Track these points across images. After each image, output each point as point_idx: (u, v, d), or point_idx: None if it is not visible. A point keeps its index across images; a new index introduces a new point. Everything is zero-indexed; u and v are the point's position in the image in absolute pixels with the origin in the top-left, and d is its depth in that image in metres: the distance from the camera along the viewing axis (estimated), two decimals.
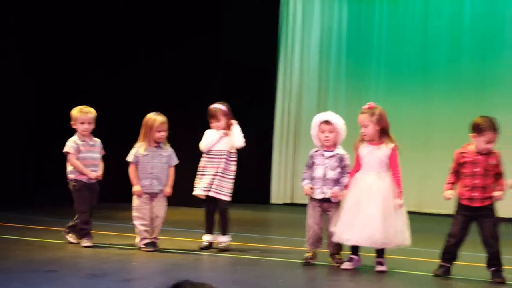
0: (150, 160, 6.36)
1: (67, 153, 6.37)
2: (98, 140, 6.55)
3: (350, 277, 5.64)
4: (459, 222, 5.69)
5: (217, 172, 6.40)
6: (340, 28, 11.27)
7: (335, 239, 5.87)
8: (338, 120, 6.03)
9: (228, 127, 6.49)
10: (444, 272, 5.71)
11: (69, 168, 6.41)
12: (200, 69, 10.18)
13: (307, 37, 11.39)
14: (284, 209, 10.86)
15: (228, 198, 6.46)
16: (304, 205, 6.21)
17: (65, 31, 9.73)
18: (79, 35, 9.84)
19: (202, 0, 10.34)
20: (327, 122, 6.01)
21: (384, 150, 5.85)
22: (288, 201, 11.27)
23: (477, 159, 5.64)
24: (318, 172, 6.00)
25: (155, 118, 6.36)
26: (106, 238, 6.77)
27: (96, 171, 6.41)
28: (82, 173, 6.35)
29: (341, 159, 6.00)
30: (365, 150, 5.88)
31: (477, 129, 5.62)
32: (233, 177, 6.49)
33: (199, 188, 6.46)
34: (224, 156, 6.46)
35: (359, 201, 5.79)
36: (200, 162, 6.53)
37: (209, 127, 6.57)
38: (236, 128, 6.52)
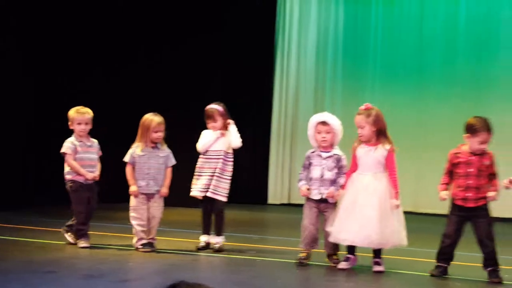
0: (147, 161, 6.35)
1: (64, 153, 6.37)
2: (95, 141, 6.55)
3: (347, 277, 5.65)
4: (453, 223, 5.70)
5: (214, 172, 6.40)
6: (337, 29, 11.31)
7: (332, 239, 5.89)
8: (334, 121, 6.05)
9: (225, 127, 6.49)
10: (440, 272, 5.72)
11: (67, 168, 6.40)
12: (200, 69, 10.18)
13: (303, 38, 11.41)
14: (281, 209, 10.87)
15: (224, 199, 6.46)
16: (301, 206, 6.21)
17: (65, 31, 9.74)
18: (79, 35, 9.84)
19: (202, 0, 10.36)
20: (324, 123, 6.02)
21: (381, 150, 5.86)
22: (285, 202, 11.29)
23: (471, 160, 5.65)
24: (316, 172, 6.01)
25: (152, 119, 6.35)
26: (104, 239, 6.77)
27: (93, 172, 6.40)
28: (79, 174, 6.35)
29: (338, 160, 6.01)
30: (362, 151, 5.90)
31: (471, 129, 5.63)
32: (230, 177, 6.49)
33: (196, 189, 6.46)
34: (221, 157, 6.45)
35: (356, 201, 5.80)
36: (197, 163, 6.53)
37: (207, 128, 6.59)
38: (233, 128, 6.53)
